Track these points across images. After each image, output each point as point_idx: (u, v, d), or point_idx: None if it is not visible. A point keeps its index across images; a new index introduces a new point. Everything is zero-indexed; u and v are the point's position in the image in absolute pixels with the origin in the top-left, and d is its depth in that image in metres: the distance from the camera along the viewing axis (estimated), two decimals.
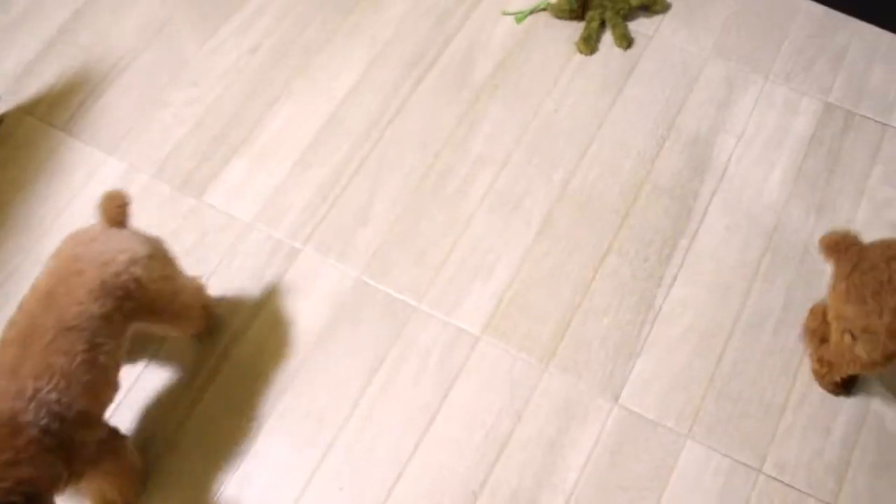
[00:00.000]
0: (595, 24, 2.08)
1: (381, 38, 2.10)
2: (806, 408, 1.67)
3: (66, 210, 1.90)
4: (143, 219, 1.85)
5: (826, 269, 1.78)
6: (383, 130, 1.97)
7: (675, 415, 1.67)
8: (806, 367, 1.70)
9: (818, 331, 1.66)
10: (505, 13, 2.14)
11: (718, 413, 1.67)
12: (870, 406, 1.67)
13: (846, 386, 1.67)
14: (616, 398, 1.68)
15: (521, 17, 2.12)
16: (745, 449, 1.63)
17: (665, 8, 2.14)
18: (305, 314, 1.77)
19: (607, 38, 2.10)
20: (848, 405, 1.67)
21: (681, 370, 1.71)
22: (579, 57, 2.07)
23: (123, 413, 1.67)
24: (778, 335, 1.74)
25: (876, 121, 2.00)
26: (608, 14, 2.09)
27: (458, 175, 1.91)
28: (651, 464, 1.63)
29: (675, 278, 1.79)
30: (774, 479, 1.61)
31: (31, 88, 2.04)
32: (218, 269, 1.81)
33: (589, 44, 2.06)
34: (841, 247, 1.50)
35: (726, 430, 1.65)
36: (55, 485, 1.27)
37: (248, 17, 2.14)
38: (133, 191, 1.91)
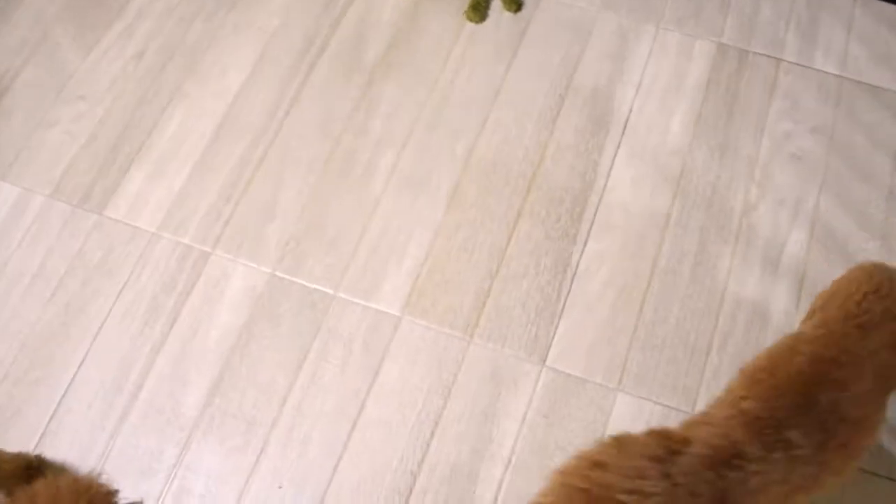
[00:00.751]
0: None
1: (268, 28, 2.06)
2: (730, 347, 1.69)
3: None
4: (45, 241, 1.81)
5: (734, 207, 1.81)
6: (281, 122, 1.94)
7: (603, 369, 1.67)
8: (728, 306, 1.72)
9: None
10: None
11: (646, 362, 1.68)
12: None
13: None
14: (543, 360, 1.68)
15: None
16: (676, 394, 1.65)
17: None
18: (223, 317, 1.74)
19: (496, 3, 2.09)
20: (771, 340, 1.70)
21: (604, 324, 1.71)
22: (470, 26, 2.06)
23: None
24: (695, 278, 1.75)
25: (769, 56, 2.02)
26: None
27: (361, 159, 1.89)
28: (585, 420, 1.64)
29: (588, 234, 1.80)
30: None
31: None
32: (129, 281, 1.77)
33: (478, 11, 2.05)
34: None
35: (655, 377, 1.67)
36: None
37: (129, 23, 2.08)
38: (30, 214, 1.86)
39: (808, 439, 1.17)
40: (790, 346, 1.28)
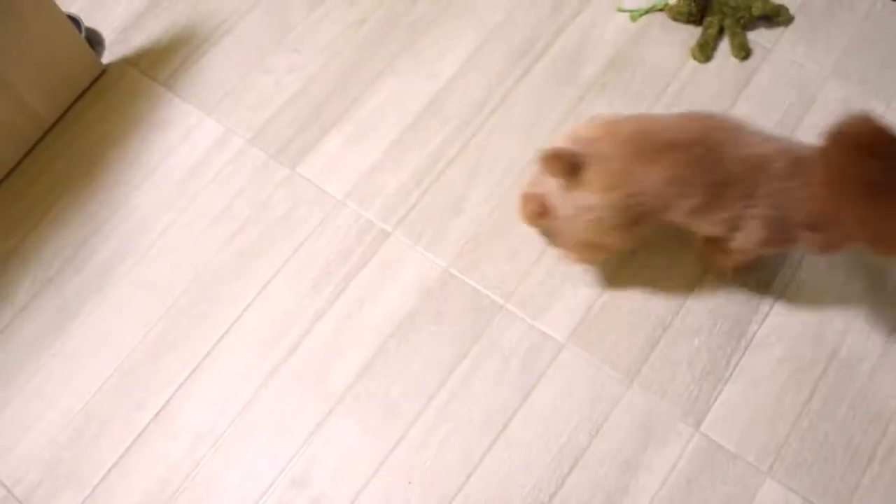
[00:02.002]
0: (713, 30, 2.00)
1: (490, 21, 2.05)
2: (894, 460, 1.61)
3: (158, 167, 1.89)
4: (235, 183, 1.85)
5: None
6: (487, 118, 1.92)
7: (757, 449, 1.61)
8: None
9: None
10: (620, 9, 2.06)
11: (803, 453, 1.61)
12: None
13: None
14: (698, 425, 1.63)
15: (636, 14, 2.05)
16: (827, 496, 1.57)
17: (788, 20, 2.05)
18: (389, 300, 1.74)
19: (724, 46, 2.02)
20: None
21: (768, 403, 1.65)
22: (693, 63, 2.00)
23: None
24: (873, 379, 1.67)
25: None
26: (728, 21, 2.01)
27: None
28: (727, 496, 1.58)
29: (772, 306, 1.73)
30: None
31: (137, 41, 2.03)
32: (306, 242, 1.79)
33: (705, 50, 1.98)
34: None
35: (809, 472, 1.59)
36: None
37: None
38: (228, 154, 1.90)
39: None
40: None
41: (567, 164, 1.41)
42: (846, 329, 1.71)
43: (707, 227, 1.49)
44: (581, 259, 1.72)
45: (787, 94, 1.96)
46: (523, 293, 1.74)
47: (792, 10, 2.06)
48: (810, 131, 1.91)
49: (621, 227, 1.48)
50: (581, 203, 1.45)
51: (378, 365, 1.69)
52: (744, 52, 1.99)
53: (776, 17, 2.03)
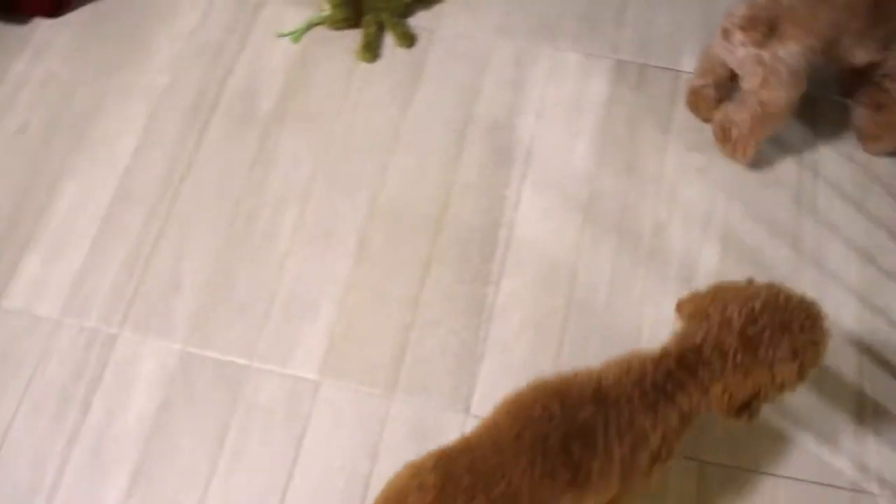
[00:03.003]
0: (373, 28, 2.02)
1: (156, 87, 2.00)
2: None
3: None
4: None
5: (645, 228, 1.81)
6: (177, 187, 1.88)
7: None
8: (647, 331, 1.72)
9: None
10: (280, 35, 2.06)
11: None
12: None
13: None
14: (467, 409, 1.66)
15: (297, 35, 2.05)
16: None
17: None
18: (137, 401, 1.68)
19: (389, 40, 2.05)
20: None
21: (524, 364, 1.70)
22: (363, 66, 2.02)
23: None
24: (611, 306, 1.74)
25: (668, 69, 2.02)
26: (384, 16, 2.04)
27: (263, 219, 1.84)
28: None
29: (501, 273, 1.78)
30: None
31: None
32: (34, 376, 1.70)
33: (370, 50, 2.01)
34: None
35: None
36: None
37: (7, 93, 2.00)
38: None
39: None
40: None
41: (765, 24, 1.63)
42: (575, 267, 1.78)
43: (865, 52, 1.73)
44: (758, 141, 1.82)
45: (462, 67, 2.02)
46: (264, 346, 1.72)
47: None
48: (492, 95, 1.98)
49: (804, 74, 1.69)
50: (782, 53, 1.66)
51: (147, 468, 1.63)
52: (408, 40, 2.03)
53: None
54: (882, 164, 1.91)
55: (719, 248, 1.80)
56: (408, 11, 2.07)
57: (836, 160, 1.91)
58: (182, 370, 1.70)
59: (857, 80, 1.88)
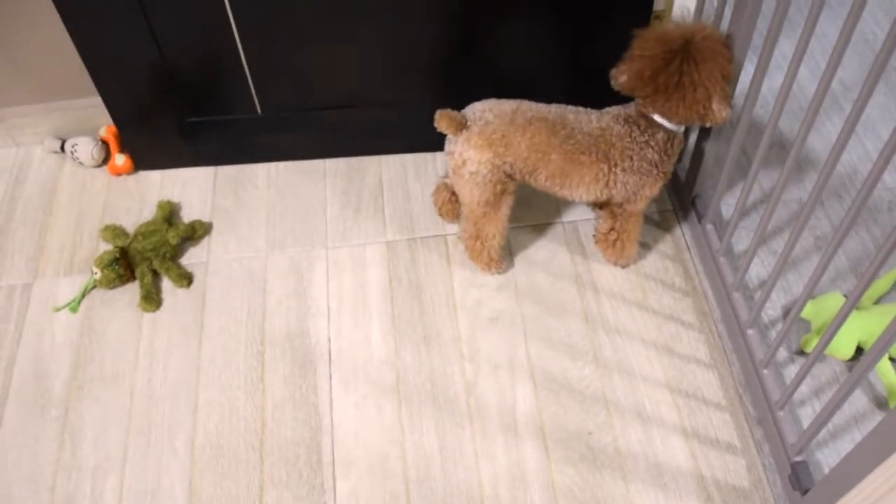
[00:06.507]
0: (148, 278, 2.05)
1: None
2: None
3: None
4: None
5: (457, 390, 1.88)
6: None
7: None
8: (488, 488, 1.76)
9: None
10: (57, 309, 2.05)
11: None
12: None
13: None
14: None
15: (74, 305, 2.05)
16: None
17: (206, 230, 2.17)
18: None
19: (167, 284, 2.09)
20: (537, 497, 1.75)
21: None
22: (149, 316, 2.04)
23: None
24: (448, 475, 1.78)
25: (435, 236, 2.16)
26: (156, 262, 2.08)
27: (83, 497, 1.78)
28: None
29: (334, 478, 1.79)
30: None
31: None
32: None
33: (151, 300, 2.03)
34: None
35: None
36: None
37: None
38: None
39: None
40: None
41: (455, 121, 1.81)
42: (403, 449, 1.81)
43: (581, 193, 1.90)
44: (481, 238, 1.99)
45: (243, 289, 2.08)
46: None
47: (206, 218, 2.19)
48: (278, 308, 2.03)
49: (494, 184, 1.86)
50: (465, 156, 1.83)
51: None
52: (185, 279, 2.07)
53: (195, 235, 2.15)
54: (646, 265, 2.10)
55: (531, 386, 1.90)
56: (178, 252, 2.13)
57: (608, 273, 2.08)
58: None
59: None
